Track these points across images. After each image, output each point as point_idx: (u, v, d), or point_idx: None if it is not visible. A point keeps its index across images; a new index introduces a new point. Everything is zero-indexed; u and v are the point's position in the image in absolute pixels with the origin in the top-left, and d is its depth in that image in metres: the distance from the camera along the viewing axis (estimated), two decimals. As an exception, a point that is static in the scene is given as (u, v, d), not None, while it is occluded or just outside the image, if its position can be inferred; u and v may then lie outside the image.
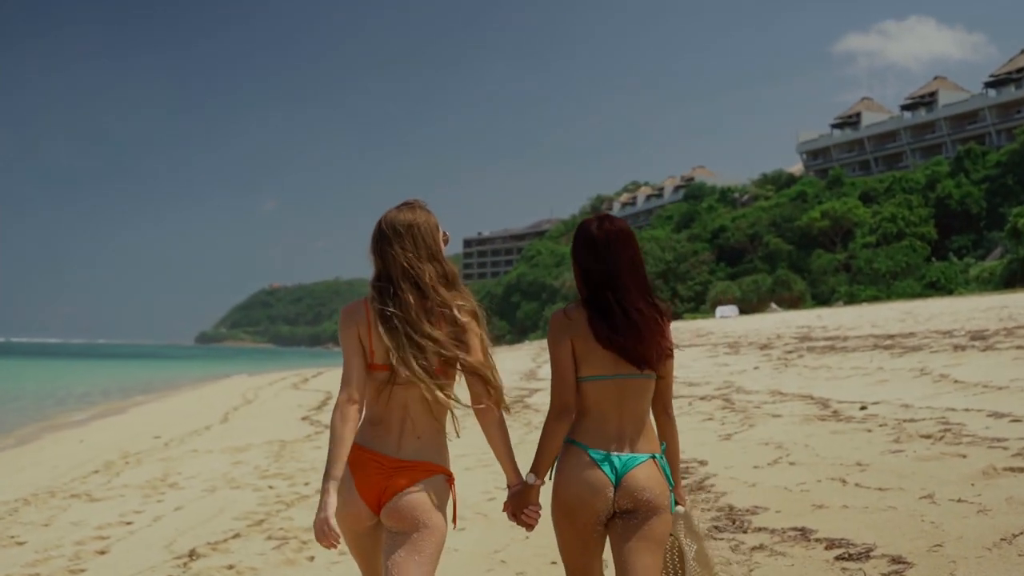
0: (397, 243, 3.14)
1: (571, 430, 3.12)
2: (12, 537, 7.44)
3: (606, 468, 3.04)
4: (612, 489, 3.03)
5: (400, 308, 3.06)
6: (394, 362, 3.03)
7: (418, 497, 3.03)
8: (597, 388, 3.08)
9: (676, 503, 3.23)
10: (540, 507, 3.16)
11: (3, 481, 11.09)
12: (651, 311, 3.11)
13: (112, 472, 10.97)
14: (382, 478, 3.04)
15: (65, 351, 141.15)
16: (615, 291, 3.10)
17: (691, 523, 3.26)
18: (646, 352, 3.07)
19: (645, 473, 3.05)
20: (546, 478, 3.18)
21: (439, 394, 3.05)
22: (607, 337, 3.05)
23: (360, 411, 3.11)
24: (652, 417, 3.22)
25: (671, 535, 3.21)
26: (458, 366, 3.11)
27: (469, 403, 3.17)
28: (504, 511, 3.23)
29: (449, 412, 3.16)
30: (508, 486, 3.21)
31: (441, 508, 3.08)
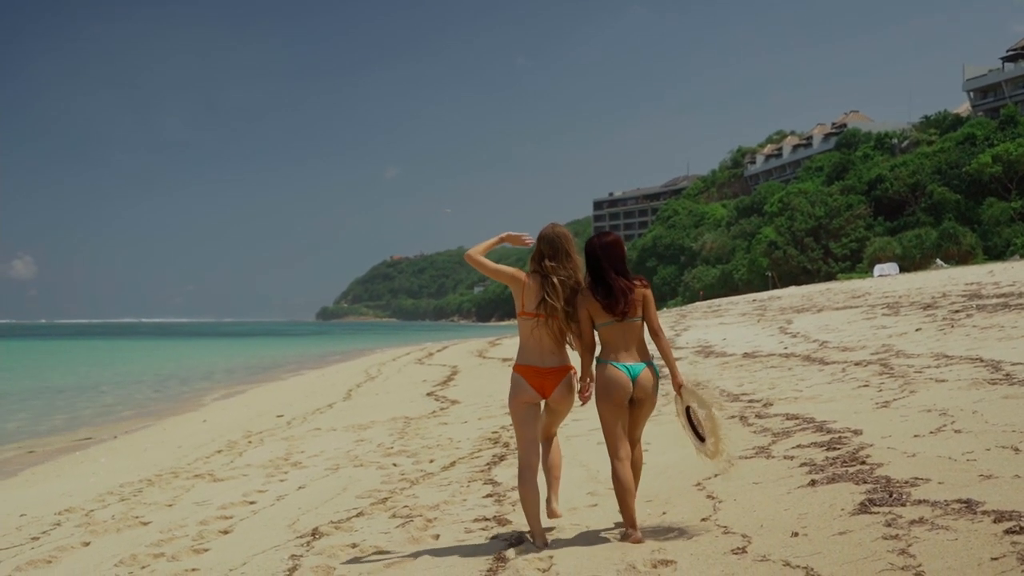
0: (564, 243, 5.72)
1: (601, 354, 5.62)
2: (137, 517, 7.88)
3: (624, 371, 5.53)
4: (631, 383, 5.54)
5: (562, 278, 5.65)
6: (547, 310, 5.63)
7: (567, 388, 5.72)
8: (606, 329, 5.61)
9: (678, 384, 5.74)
10: (591, 393, 5.73)
11: (127, 462, 11.73)
12: (621, 284, 5.56)
13: (235, 452, 11.47)
14: (540, 378, 5.67)
15: (191, 330, 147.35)
16: (602, 274, 5.62)
17: (698, 396, 5.59)
18: (614, 306, 5.55)
19: (646, 375, 5.58)
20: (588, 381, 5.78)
21: (566, 331, 5.70)
22: (599, 300, 5.57)
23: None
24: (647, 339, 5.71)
25: (685, 404, 5.67)
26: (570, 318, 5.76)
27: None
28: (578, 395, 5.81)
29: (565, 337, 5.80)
30: (580, 379, 5.80)
31: (574, 390, 5.77)
